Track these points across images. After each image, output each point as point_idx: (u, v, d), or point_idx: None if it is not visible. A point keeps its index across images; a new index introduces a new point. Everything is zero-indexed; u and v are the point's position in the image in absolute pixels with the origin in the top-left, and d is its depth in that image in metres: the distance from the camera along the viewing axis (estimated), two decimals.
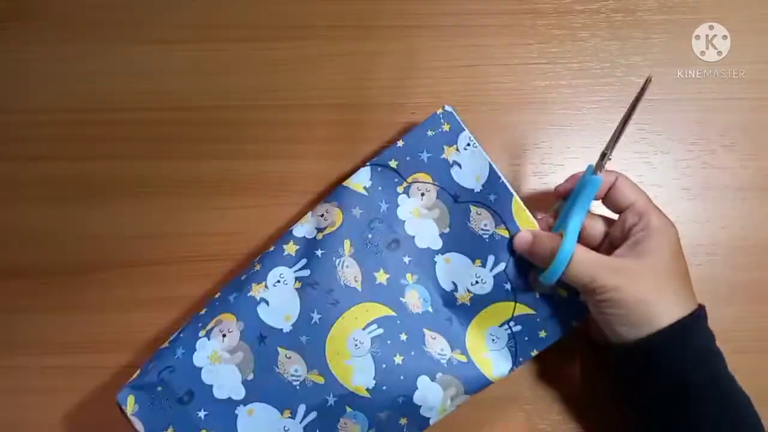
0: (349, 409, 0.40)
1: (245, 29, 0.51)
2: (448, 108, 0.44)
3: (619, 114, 0.48)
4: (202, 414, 0.40)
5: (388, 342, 0.41)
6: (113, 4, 0.52)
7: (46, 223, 0.49)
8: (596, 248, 0.42)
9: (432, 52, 0.51)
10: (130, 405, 0.40)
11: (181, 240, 0.49)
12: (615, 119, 0.49)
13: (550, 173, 0.49)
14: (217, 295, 0.43)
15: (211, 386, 0.40)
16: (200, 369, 0.40)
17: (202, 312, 0.42)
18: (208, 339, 0.41)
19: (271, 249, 0.44)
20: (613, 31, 0.51)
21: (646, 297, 0.37)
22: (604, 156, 0.40)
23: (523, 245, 0.42)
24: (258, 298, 0.42)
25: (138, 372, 0.41)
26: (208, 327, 0.41)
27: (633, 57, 0.51)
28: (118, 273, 0.48)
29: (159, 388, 0.40)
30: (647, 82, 0.39)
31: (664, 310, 0.37)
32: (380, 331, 0.41)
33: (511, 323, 0.43)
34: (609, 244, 0.42)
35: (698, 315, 0.38)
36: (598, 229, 0.42)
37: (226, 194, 0.49)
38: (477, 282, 0.43)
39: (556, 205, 0.44)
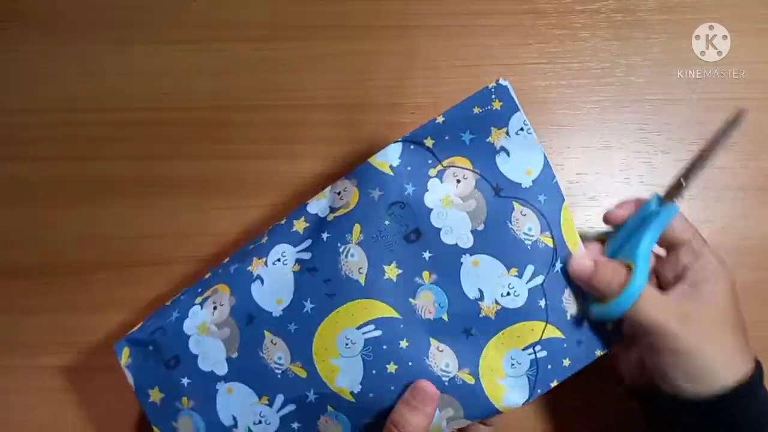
0: (330, 409, 0.38)
1: (245, 29, 0.51)
2: (503, 82, 0.38)
3: (618, 113, 0.48)
4: (185, 381, 0.39)
5: (384, 347, 0.37)
6: (113, 4, 0.52)
7: (46, 223, 0.49)
8: None
9: (432, 52, 0.51)
10: (125, 356, 0.40)
11: (181, 240, 0.49)
12: (615, 119, 0.50)
13: None
14: (225, 260, 0.41)
15: (196, 356, 0.39)
16: (188, 337, 0.39)
17: (206, 276, 0.41)
18: (201, 308, 0.39)
19: (282, 222, 0.40)
20: (613, 31, 0.51)
21: (708, 347, 0.34)
22: (681, 186, 0.37)
23: (583, 273, 0.37)
24: (255, 275, 0.39)
25: (139, 325, 0.41)
26: (205, 295, 0.40)
27: (633, 57, 0.51)
28: (118, 273, 0.48)
29: (150, 347, 0.40)
30: (739, 115, 0.36)
31: (726, 364, 0.34)
32: (377, 333, 0.37)
33: (537, 347, 0.37)
34: (656, 282, 0.38)
35: (760, 374, 0.35)
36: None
37: (227, 194, 0.49)
38: (509, 293, 0.37)
39: (601, 231, 0.40)
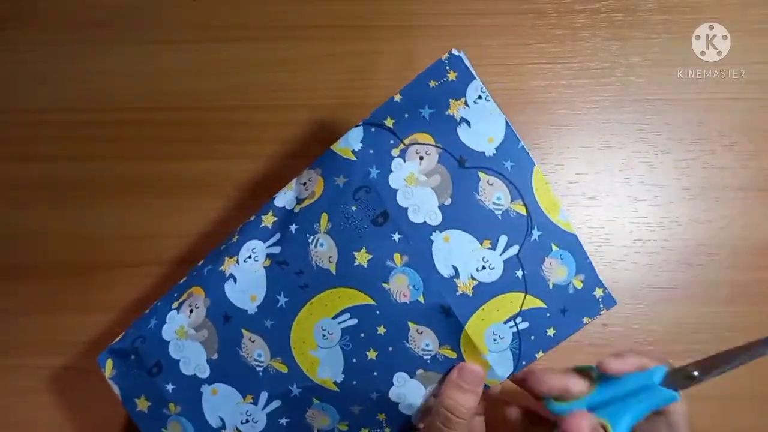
0: (316, 401, 0.38)
1: (245, 29, 0.51)
2: (455, 52, 0.37)
3: (618, 113, 0.48)
4: (170, 387, 0.39)
5: (362, 335, 0.37)
6: (113, 4, 0.52)
7: (46, 223, 0.49)
8: None
9: (432, 52, 0.51)
10: (108, 369, 0.40)
11: (181, 240, 0.49)
12: (615, 119, 0.50)
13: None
14: (200, 263, 0.41)
15: (178, 361, 0.39)
16: (168, 342, 0.39)
17: (181, 281, 0.41)
18: (178, 312, 0.39)
19: (252, 218, 0.40)
20: (613, 31, 0.51)
21: None
22: (692, 378, 0.34)
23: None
24: (227, 274, 0.39)
25: (120, 336, 0.40)
26: (181, 299, 0.40)
27: (633, 57, 0.51)
28: (118, 273, 0.48)
29: (132, 357, 0.39)
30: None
31: None
32: (353, 321, 0.37)
33: (518, 319, 0.37)
34: None
35: None
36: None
37: (227, 194, 0.49)
38: (484, 267, 0.36)
39: (585, 366, 0.38)
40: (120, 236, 0.49)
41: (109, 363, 0.40)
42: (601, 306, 0.38)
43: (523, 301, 0.37)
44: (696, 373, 0.34)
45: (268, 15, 0.52)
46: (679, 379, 0.35)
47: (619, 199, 0.49)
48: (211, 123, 0.50)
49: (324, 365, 0.37)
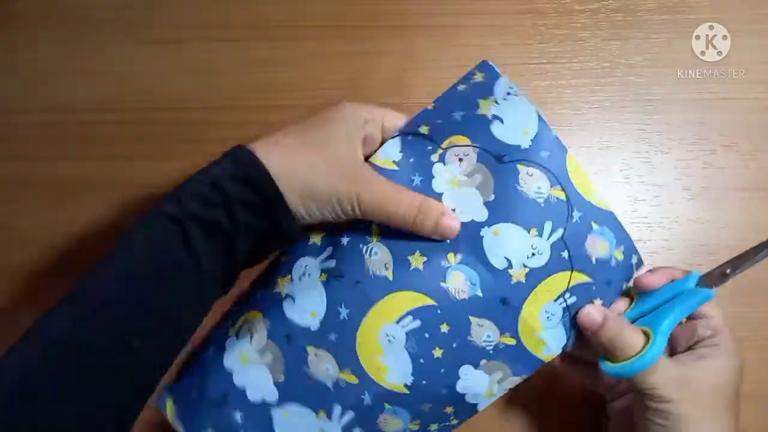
0: (388, 406, 0.38)
1: (244, 29, 0.51)
2: (485, 62, 0.38)
3: (618, 113, 0.48)
4: (238, 416, 0.38)
5: (426, 335, 0.37)
6: (113, 4, 0.52)
7: (47, 223, 0.49)
8: None
9: (432, 52, 0.51)
10: (170, 410, 0.39)
11: None
12: (615, 119, 0.50)
13: None
14: (246, 290, 0.41)
15: (244, 389, 0.38)
16: (231, 371, 0.39)
17: (232, 308, 0.40)
18: (237, 338, 0.39)
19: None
20: (613, 31, 0.51)
21: (700, 419, 0.35)
22: (725, 275, 0.37)
23: (590, 326, 0.37)
24: (283, 294, 0.39)
25: (174, 375, 0.40)
26: (237, 325, 0.39)
27: (633, 57, 0.51)
28: None
29: (193, 392, 0.39)
30: None
31: None
32: (416, 323, 0.37)
33: (567, 295, 0.37)
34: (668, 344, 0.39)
35: None
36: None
37: None
38: (533, 254, 0.37)
39: (630, 288, 0.40)
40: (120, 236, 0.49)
41: (169, 404, 0.39)
42: (635, 270, 0.39)
43: (570, 277, 0.37)
44: (728, 271, 0.37)
45: (268, 15, 0.52)
46: (714, 278, 0.37)
47: (619, 199, 0.49)
48: (211, 123, 0.50)
49: (393, 370, 0.37)
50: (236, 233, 0.34)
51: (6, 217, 0.49)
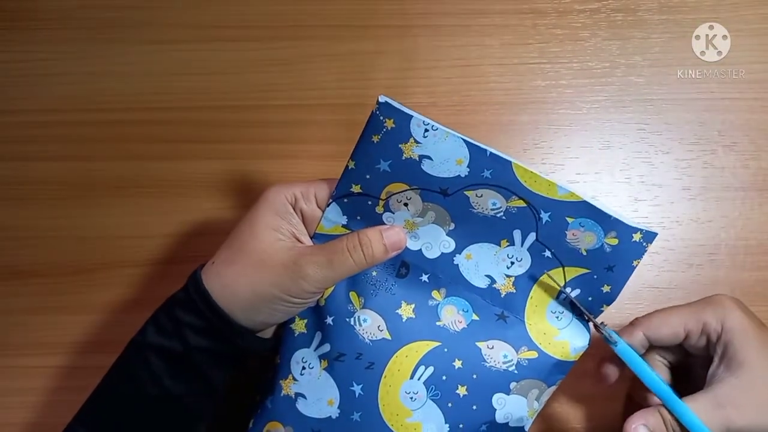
0: None
1: (245, 29, 0.51)
2: (381, 99, 0.35)
3: (618, 113, 0.48)
4: None
5: (444, 378, 0.37)
6: (114, 4, 0.52)
7: (46, 223, 0.49)
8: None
9: (432, 52, 0.51)
10: None
11: (181, 240, 0.49)
12: (615, 119, 0.50)
13: (550, 173, 0.49)
14: (256, 401, 0.40)
15: None
16: None
17: (250, 426, 0.39)
18: None
19: (282, 335, 0.40)
20: (614, 31, 0.51)
21: (753, 423, 0.35)
22: (596, 326, 0.38)
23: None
24: (293, 395, 0.38)
25: None
26: None
27: (633, 57, 0.51)
28: (118, 273, 0.48)
29: None
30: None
31: None
32: (430, 370, 0.37)
33: (567, 289, 0.38)
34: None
35: None
36: (666, 332, 0.39)
37: (227, 194, 0.49)
38: (513, 263, 0.38)
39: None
40: (120, 236, 0.49)
41: None
42: (645, 245, 0.38)
43: (563, 274, 0.38)
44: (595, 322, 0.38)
45: (267, 15, 0.52)
46: (604, 336, 0.38)
47: (619, 199, 0.49)
48: (211, 123, 0.50)
49: (426, 425, 0.37)
50: (193, 358, 0.35)
51: (5, 217, 0.49)
